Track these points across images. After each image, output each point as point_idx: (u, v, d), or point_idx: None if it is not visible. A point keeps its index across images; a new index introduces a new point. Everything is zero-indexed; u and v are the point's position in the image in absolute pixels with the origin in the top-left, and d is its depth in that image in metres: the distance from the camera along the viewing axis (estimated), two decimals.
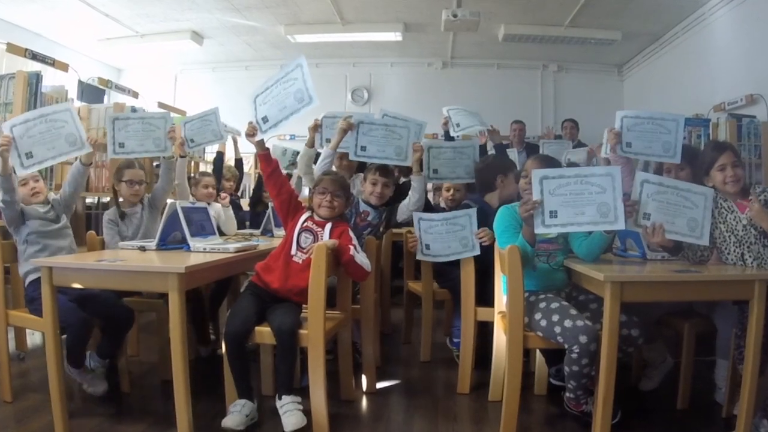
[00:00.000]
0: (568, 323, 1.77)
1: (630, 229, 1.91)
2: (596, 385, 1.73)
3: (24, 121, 2.15)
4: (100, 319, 2.09)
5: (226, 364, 1.88)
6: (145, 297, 2.38)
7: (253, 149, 2.24)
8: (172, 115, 4.76)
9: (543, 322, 1.84)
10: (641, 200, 1.85)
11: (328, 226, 2.04)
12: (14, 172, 2.14)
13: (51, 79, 3.67)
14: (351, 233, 2.06)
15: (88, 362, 2.15)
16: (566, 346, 1.77)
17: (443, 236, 2.38)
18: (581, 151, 3.87)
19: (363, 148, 2.53)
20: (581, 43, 5.39)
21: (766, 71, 3.71)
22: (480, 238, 2.32)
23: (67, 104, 2.31)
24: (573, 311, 1.82)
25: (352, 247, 1.97)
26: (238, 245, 2.17)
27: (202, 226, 2.26)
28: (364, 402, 2.20)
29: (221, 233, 2.81)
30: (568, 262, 2.01)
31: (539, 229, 1.83)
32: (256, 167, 4.83)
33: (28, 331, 2.70)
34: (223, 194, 3.01)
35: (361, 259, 2.00)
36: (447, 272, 2.56)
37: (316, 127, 2.69)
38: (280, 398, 1.82)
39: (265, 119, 2.09)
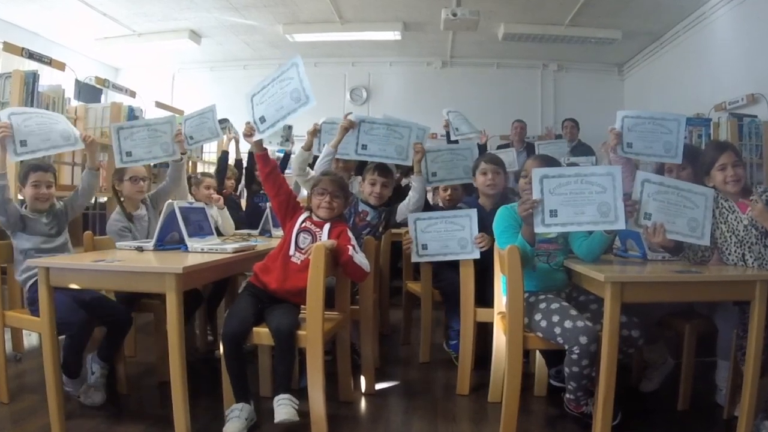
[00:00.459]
0: (568, 324, 1.76)
1: (631, 230, 1.90)
2: (596, 386, 1.73)
3: (23, 112, 2.22)
4: (101, 321, 2.08)
5: (223, 365, 1.86)
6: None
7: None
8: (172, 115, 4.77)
9: (543, 323, 1.83)
10: (642, 200, 1.84)
11: (327, 226, 2.04)
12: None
13: (48, 78, 3.66)
14: (350, 233, 2.05)
15: (90, 367, 2.13)
16: (566, 347, 1.76)
17: (441, 234, 2.37)
18: (583, 160, 3.87)
19: (364, 147, 2.53)
20: (581, 42, 5.37)
21: (767, 70, 3.70)
22: (478, 243, 2.30)
23: (60, 115, 2.37)
24: (573, 312, 1.81)
25: (350, 248, 1.96)
26: (236, 245, 2.16)
27: (200, 226, 2.26)
28: (363, 403, 2.20)
29: (219, 234, 2.80)
30: (568, 263, 2.00)
31: (539, 229, 1.82)
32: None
33: (24, 332, 2.68)
34: (215, 196, 2.98)
35: (360, 259, 1.99)
36: (440, 273, 2.56)
37: (315, 132, 2.69)
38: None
39: (262, 119, 2.08)
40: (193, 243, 2.11)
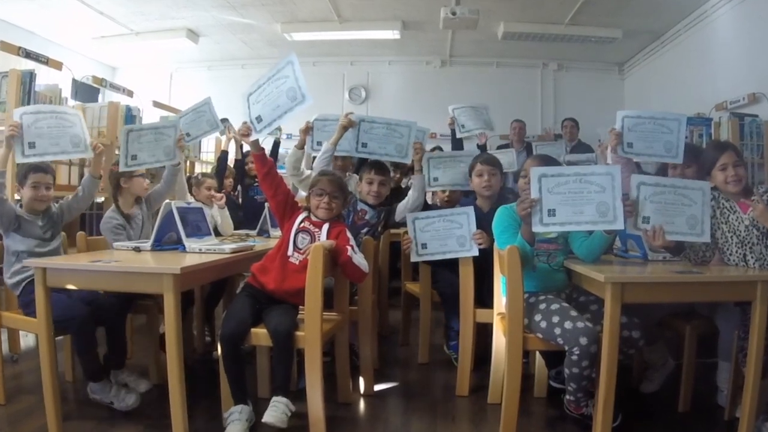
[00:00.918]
0: (568, 325, 1.75)
1: (631, 233, 1.90)
2: (597, 388, 1.72)
3: (35, 112, 2.20)
4: (98, 318, 2.05)
5: (221, 366, 1.85)
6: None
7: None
8: (168, 114, 4.75)
9: (543, 324, 1.82)
10: (639, 203, 1.83)
11: (326, 226, 2.02)
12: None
13: (45, 77, 3.64)
14: (348, 234, 2.04)
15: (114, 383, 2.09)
16: (566, 348, 1.75)
17: (440, 233, 2.36)
18: (583, 157, 3.85)
19: (364, 145, 2.54)
20: (581, 41, 5.36)
21: None
22: (477, 240, 2.29)
23: (77, 111, 2.35)
24: (573, 313, 1.80)
25: (349, 248, 1.95)
26: (234, 246, 2.16)
27: (197, 226, 2.25)
28: (362, 404, 2.19)
29: (218, 234, 2.79)
30: (568, 263, 1.99)
31: (537, 228, 1.82)
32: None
33: (21, 332, 2.66)
34: (217, 195, 2.97)
35: (359, 260, 1.98)
36: (438, 274, 2.55)
37: (308, 130, 2.68)
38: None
39: (258, 119, 2.07)
40: (190, 243, 2.10)
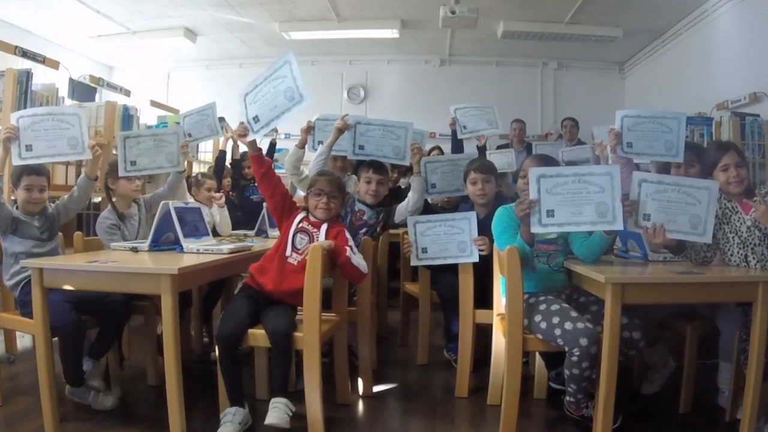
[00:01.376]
0: (568, 326, 1.74)
1: (631, 230, 1.88)
2: (597, 389, 1.71)
3: (32, 115, 2.21)
4: (94, 317, 2.05)
5: (219, 367, 1.84)
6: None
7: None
8: (166, 113, 4.74)
9: (543, 325, 1.81)
10: (640, 201, 1.82)
11: (324, 226, 2.01)
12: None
13: (42, 77, 3.63)
14: (347, 234, 2.03)
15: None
16: (566, 349, 1.74)
17: (441, 238, 2.34)
18: (578, 149, 3.83)
19: (361, 147, 2.53)
20: (582, 40, 5.34)
21: None
22: (479, 246, 2.27)
23: (80, 110, 2.34)
24: (573, 313, 1.80)
25: (348, 249, 1.94)
26: (232, 246, 2.15)
27: (195, 226, 2.24)
28: (361, 406, 2.18)
29: (216, 234, 2.77)
30: (568, 264, 1.98)
31: (535, 229, 1.81)
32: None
33: (18, 333, 2.66)
34: (217, 195, 2.96)
35: (358, 260, 1.97)
36: (437, 275, 2.53)
37: (309, 129, 2.67)
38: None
39: (256, 119, 2.05)
40: (188, 243, 2.09)
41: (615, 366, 1.64)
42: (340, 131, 2.51)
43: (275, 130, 4.04)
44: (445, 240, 2.33)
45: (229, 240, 2.51)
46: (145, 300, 2.22)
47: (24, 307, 2.03)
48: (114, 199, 2.48)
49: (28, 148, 2.15)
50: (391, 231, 2.88)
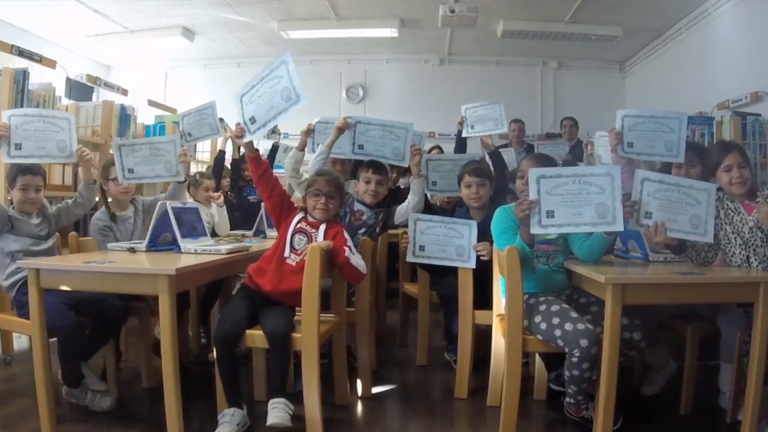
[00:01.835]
0: (568, 326, 1.74)
1: (632, 229, 1.88)
2: (597, 390, 1.70)
3: (23, 114, 2.22)
4: (90, 319, 2.04)
5: (217, 368, 1.83)
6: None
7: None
8: (163, 113, 4.73)
9: (543, 325, 1.80)
10: (642, 199, 1.82)
11: (323, 227, 2.00)
12: None
13: (38, 76, 3.60)
14: (346, 234, 2.02)
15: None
16: (567, 350, 1.74)
17: (440, 239, 2.33)
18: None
19: (360, 147, 2.52)
20: (582, 39, 5.32)
21: None
22: (479, 252, 2.26)
23: (71, 115, 2.34)
24: (574, 314, 1.79)
25: (347, 249, 1.93)
26: (230, 246, 2.14)
27: (193, 227, 2.22)
28: (359, 407, 2.17)
29: (214, 234, 2.76)
30: (568, 264, 1.97)
31: (535, 230, 1.80)
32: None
33: (14, 334, 2.64)
34: (216, 194, 2.94)
35: (357, 260, 1.96)
36: (438, 276, 2.52)
37: (309, 132, 2.67)
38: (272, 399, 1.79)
39: (252, 120, 2.04)
40: (186, 244, 2.08)
41: (615, 367, 1.63)
42: (341, 130, 2.50)
43: (278, 133, 4.02)
44: (444, 241, 2.32)
45: (227, 240, 2.50)
46: (140, 301, 2.21)
47: (21, 307, 2.02)
48: (109, 201, 2.46)
49: (18, 146, 2.16)
50: (390, 231, 2.87)
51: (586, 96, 6.03)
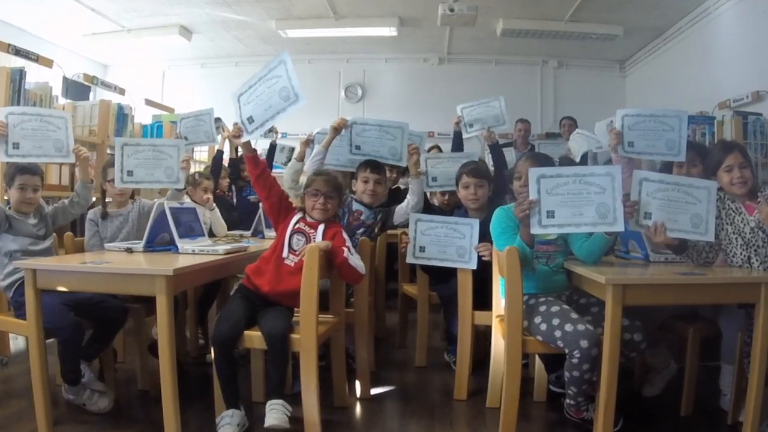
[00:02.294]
0: (568, 327, 1.73)
1: (633, 230, 1.87)
2: (597, 392, 1.70)
3: (21, 113, 2.21)
4: (91, 321, 2.03)
5: (214, 369, 1.82)
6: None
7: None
8: (161, 112, 4.70)
9: (543, 326, 1.79)
10: (641, 199, 1.81)
11: (321, 227, 1.99)
12: None
13: (35, 75, 3.58)
14: (344, 235, 2.01)
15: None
16: (567, 351, 1.73)
17: (441, 239, 2.32)
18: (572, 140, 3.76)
19: (358, 147, 2.52)
20: (582, 38, 5.31)
21: None
22: (480, 252, 2.24)
23: (67, 114, 2.33)
24: (574, 315, 1.78)
25: (345, 249, 1.92)
26: (228, 247, 2.13)
27: (190, 227, 2.22)
28: (358, 408, 2.16)
29: (212, 234, 2.74)
30: (568, 264, 1.96)
31: (535, 230, 1.79)
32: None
33: (11, 335, 2.63)
34: (206, 197, 2.90)
35: (355, 261, 1.94)
36: (438, 276, 2.50)
37: (308, 142, 2.66)
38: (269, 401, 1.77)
39: (250, 119, 2.03)
40: (183, 244, 2.07)
41: (616, 368, 1.63)
42: (337, 130, 2.49)
43: (275, 132, 4.01)
44: (444, 242, 2.30)
45: (225, 240, 2.48)
46: (136, 302, 2.20)
47: (18, 308, 2.01)
48: (109, 199, 2.44)
49: (15, 146, 2.15)
50: (389, 231, 2.86)
51: (586, 95, 6.02)
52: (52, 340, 1.89)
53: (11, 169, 2.16)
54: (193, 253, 2.02)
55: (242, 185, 3.71)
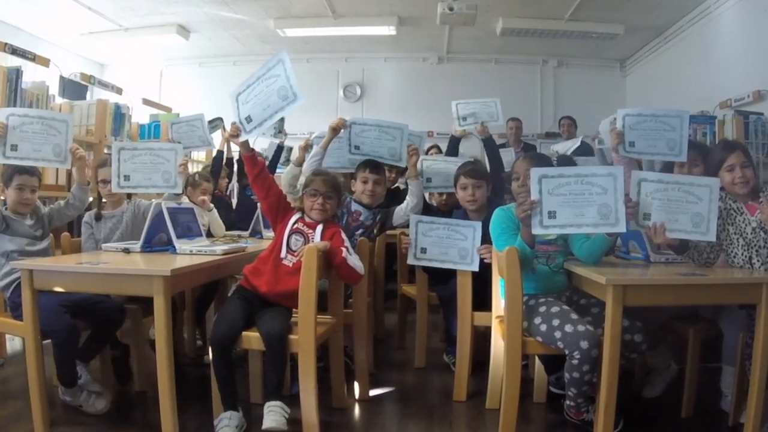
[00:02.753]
0: (569, 328, 1.72)
1: (634, 230, 1.86)
2: (598, 393, 1.69)
3: (23, 115, 2.19)
4: (88, 322, 2.02)
5: (212, 370, 1.81)
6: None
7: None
8: (158, 112, 4.68)
9: (543, 327, 1.79)
10: (641, 200, 1.80)
11: (320, 227, 1.98)
12: None
13: (32, 74, 3.57)
14: (343, 235, 2.00)
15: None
16: (567, 352, 1.72)
17: (443, 241, 2.30)
18: (569, 143, 3.76)
19: (357, 147, 2.51)
20: (582, 37, 5.30)
21: None
22: (482, 255, 2.22)
23: (69, 117, 2.31)
24: (574, 316, 1.77)
25: (344, 249, 1.91)
26: (226, 247, 2.12)
27: (188, 227, 2.20)
28: (357, 410, 2.15)
29: (210, 235, 2.73)
30: (568, 265, 1.95)
31: (536, 230, 1.78)
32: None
33: (7, 336, 2.62)
34: (201, 198, 2.88)
35: (354, 261, 1.93)
36: (437, 277, 2.49)
37: (307, 147, 2.65)
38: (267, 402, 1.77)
39: (248, 119, 2.02)
40: (181, 245, 2.06)
41: (616, 369, 1.62)
42: (335, 131, 2.47)
43: (284, 133, 3.96)
44: (446, 244, 2.29)
45: (223, 241, 2.47)
46: (133, 303, 2.19)
47: (15, 309, 1.99)
48: (104, 200, 2.42)
49: (14, 147, 2.13)
50: (389, 232, 2.85)
51: (586, 95, 6.00)
52: (49, 341, 1.88)
53: (9, 170, 2.15)
54: (191, 253, 2.02)
55: (246, 184, 3.69)
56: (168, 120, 3.65)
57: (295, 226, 1.99)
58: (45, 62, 3.47)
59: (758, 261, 1.82)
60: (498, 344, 2.05)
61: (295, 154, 2.67)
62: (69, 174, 3.19)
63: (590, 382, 1.73)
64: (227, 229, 3.00)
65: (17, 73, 2.94)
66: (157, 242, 2.11)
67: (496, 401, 2.03)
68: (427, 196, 2.97)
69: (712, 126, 3.48)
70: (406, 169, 2.65)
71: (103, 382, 2.15)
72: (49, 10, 4.75)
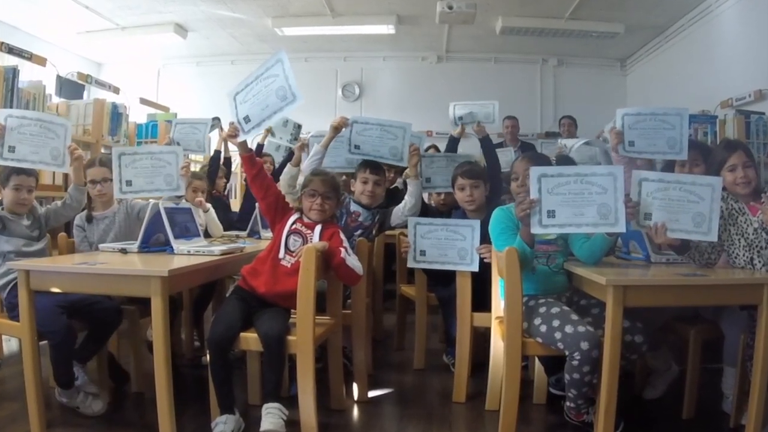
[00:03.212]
0: (569, 329, 1.71)
1: (635, 230, 1.85)
2: (598, 394, 1.68)
3: (21, 116, 2.18)
4: (85, 323, 2.01)
5: (210, 371, 1.80)
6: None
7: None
8: (156, 111, 4.67)
9: (543, 328, 1.78)
10: (641, 200, 1.79)
11: (318, 228, 1.97)
12: None
13: (28, 74, 3.55)
14: (342, 235, 1.99)
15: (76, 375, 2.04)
16: (567, 353, 1.71)
17: (441, 242, 2.29)
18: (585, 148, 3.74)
19: (357, 147, 2.49)
20: (582, 36, 5.30)
21: None
22: (482, 254, 2.21)
23: (68, 122, 2.30)
24: (574, 316, 1.76)
25: (343, 250, 1.90)
26: (224, 248, 2.10)
27: (186, 227, 2.19)
28: (356, 411, 2.14)
29: (208, 235, 2.71)
30: (568, 265, 1.95)
31: (535, 230, 1.77)
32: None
33: (4, 337, 2.61)
34: (198, 199, 2.86)
35: (353, 262, 1.92)
36: (437, 278, 2.48)
37: (303, 146, 2.63)
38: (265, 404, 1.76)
39: (246, 119, 2.01)
40: (179, 245, 2.04)
41: (616, 370, 1.61)
42: (336, 129, 2.46)
43: (296, 135, 3.89)
44: (445, 245, 2.27)
45: (221, 241, 2.46)
46: (131, 303, 2.18)
47: (11, 310, 1.98)
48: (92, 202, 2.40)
49: (11, 149, 2.11)
50: (387, 232, 2.84)
51: (586, 94, 6.00)
52: (45, 342, 1.87)
53: (6, 170, 2.14)
54: (189, 253, 2.00)
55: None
56: (165, 119, 3.64)
57: (294, 226, 1.99)
58: (42, 61, 3.46)
59: (760, 262, 1.81)
60: (498, 345, 2.04)
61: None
62: (66, 174, 3.18)
63: (590, 384, 1.72)
64: (225, 230, 2.98)
65: (14, 72, 2.94)
66: (154, 242, 2.10)
67: (495, 402, 2.02)
68: (426, 196, 2.96)
69: (713, 125, 3.48)
70: (404, 168, 2.64)
71: (100, 384, 2.14)
72: (45, 8, 4.74)
